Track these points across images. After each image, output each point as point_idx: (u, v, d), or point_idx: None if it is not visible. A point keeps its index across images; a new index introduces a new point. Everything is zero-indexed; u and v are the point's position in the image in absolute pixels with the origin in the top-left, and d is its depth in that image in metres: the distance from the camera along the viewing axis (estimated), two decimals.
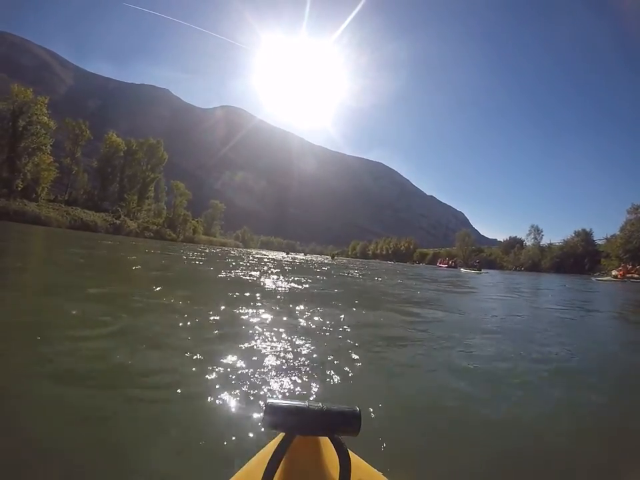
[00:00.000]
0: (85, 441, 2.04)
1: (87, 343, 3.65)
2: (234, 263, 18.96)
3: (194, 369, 3.12)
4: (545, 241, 75.99)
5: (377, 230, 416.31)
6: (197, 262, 17.48)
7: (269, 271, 14.51)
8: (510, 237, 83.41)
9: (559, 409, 2.94)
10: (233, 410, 2.43)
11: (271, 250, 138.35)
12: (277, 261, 27.73)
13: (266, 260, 26.75)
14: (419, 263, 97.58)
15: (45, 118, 57.80)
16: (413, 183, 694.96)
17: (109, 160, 74.27)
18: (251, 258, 28.50)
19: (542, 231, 77.14)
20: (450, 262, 63.79)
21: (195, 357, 3.37)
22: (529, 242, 77.89)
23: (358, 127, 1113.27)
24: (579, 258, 62.83)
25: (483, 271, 46.52)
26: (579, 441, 2.46)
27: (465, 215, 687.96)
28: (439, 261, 73.91)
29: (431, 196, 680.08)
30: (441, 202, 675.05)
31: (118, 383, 2.84)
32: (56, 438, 2.06)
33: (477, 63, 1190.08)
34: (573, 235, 68.98)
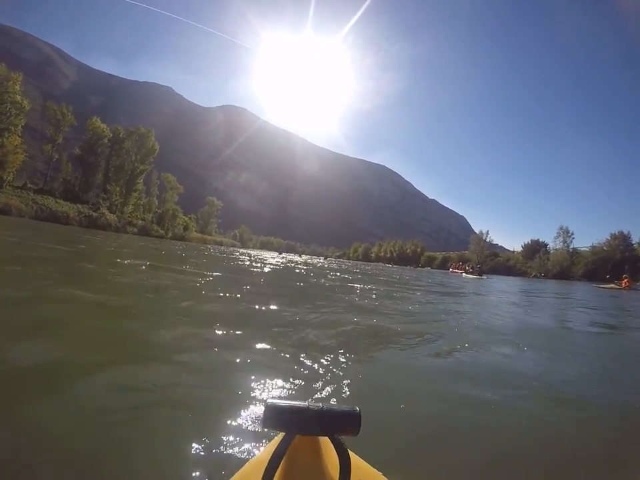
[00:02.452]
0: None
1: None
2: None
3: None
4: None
5: (378, 232, 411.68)
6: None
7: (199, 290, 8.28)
8: (531, 240, 74.38)
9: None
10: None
11: (270, 250, 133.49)
12: (257, 263, 21.95)
13: (239, 262, 21.06)
14: (422, 267, 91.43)
15: (18, 97, 52.52)
16: (415, 186, 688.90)
17: (91, 147, 67.89)
18: (217, 258, 23.39)
19: (572, 234, 67.80)
20: (467, 267, 54.96)
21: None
22: (556, 245, 68.83)
23: (361, 128, 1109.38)
24: (617, 264, 54.12)
25: (484, 276, 44.70)
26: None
27: (467, 219, 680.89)
28: (452, 265, 65.24)
29: (433, 199, 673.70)
30: (443, 206, 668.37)
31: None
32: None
33: (481, 64, 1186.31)
34: (609, 238, 60.74)
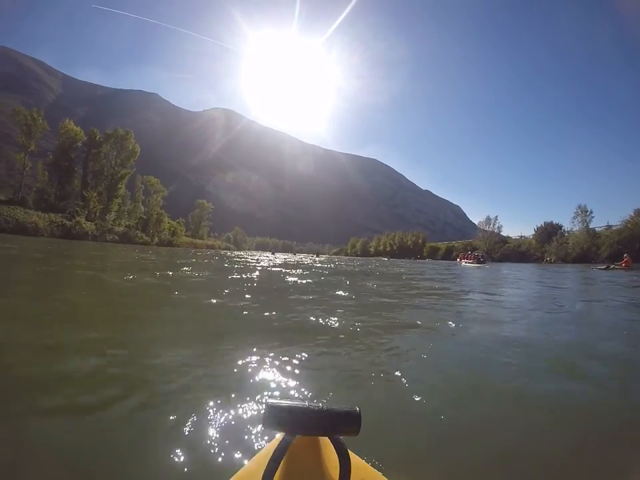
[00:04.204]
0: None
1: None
2: None
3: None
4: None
5: (375, 227, 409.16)
6: None
7: None
8: (545, 223, 67.74)
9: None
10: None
11: (265, 251, 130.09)
12: (222, 273, 14.95)
13: (201, 271, 14.38)
14: (420, 258, 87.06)
15: None
16: (408, 178, 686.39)
17: (65, 152, 63.34)
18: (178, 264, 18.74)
19: (591, 213, 60.49)
20: (479, 256, 51.18)
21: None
22: (574, 226, 62.01)
23: (351, 124, 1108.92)
24: None
25: (487, 264, 45.10)
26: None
27: (462, 208, 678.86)
28: (461, 255, 59.75)
29: (427, 190, 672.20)
30: (437, 196, 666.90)
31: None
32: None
33: (471, 56, 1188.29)
34: (632, 214, 53.51)
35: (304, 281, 12.56)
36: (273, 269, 19.54)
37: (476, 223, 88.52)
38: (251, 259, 32.31)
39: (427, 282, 15.11)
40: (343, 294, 9.07)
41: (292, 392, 2.79)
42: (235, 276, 12.99)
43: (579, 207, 62.29)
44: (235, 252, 75.88)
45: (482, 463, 2.01)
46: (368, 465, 0.92)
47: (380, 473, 0.91)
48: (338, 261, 45.23)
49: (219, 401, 2.45)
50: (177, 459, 1.84)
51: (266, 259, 34.55)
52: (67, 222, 52.71)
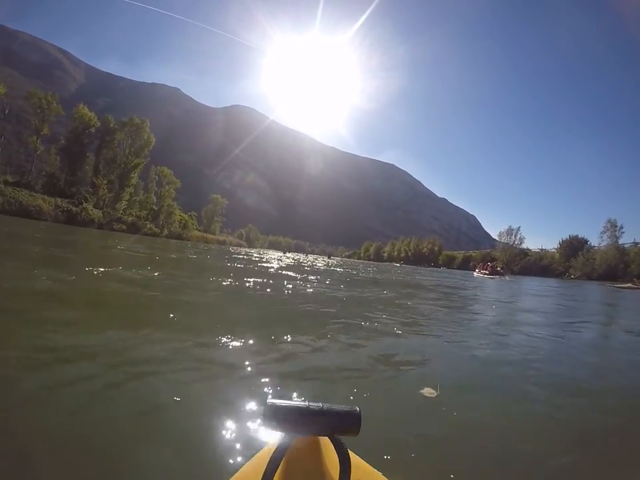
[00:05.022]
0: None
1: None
2: None
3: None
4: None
5: (388, 232, 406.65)
6: None
7: None
8: (570, 236, 63.74)
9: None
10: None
11: (277, 250, 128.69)
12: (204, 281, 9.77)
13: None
14: (434, 266, 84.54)
15: None
16: (425, 185, 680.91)
17: (77, 137, 61.90)
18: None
19: (622, 228, 57.39)
20: (499, 267, 49.42)
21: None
22: (603, 241, 58.82)
23: (369, 128, 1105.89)
24: None
25: (507, 276, 44.84)
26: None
27: (477, 218, 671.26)
28: (480, 266, 55.93)
29: (443, 198, 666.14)
30: (453, 204, 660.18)
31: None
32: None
33: (485, 65, 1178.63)
34: None
35: (323, 298, 9.15)
36: (282, 272, 17.20)
37: (491, 234, 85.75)
38: (256, 256, 31.13)
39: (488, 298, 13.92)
40: (401, 341, 5.14)
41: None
42: (220, 281, 9.79)
43: (609, 221, 59.02)
44: (245, 249, 74.32)
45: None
46: (368, 465, 0.91)
47: (380, 473, 0.90)
48: (353, 265, 44.26)
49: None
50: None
51: (275, 259, 32.97)
52: (73, 208, 51.16)
